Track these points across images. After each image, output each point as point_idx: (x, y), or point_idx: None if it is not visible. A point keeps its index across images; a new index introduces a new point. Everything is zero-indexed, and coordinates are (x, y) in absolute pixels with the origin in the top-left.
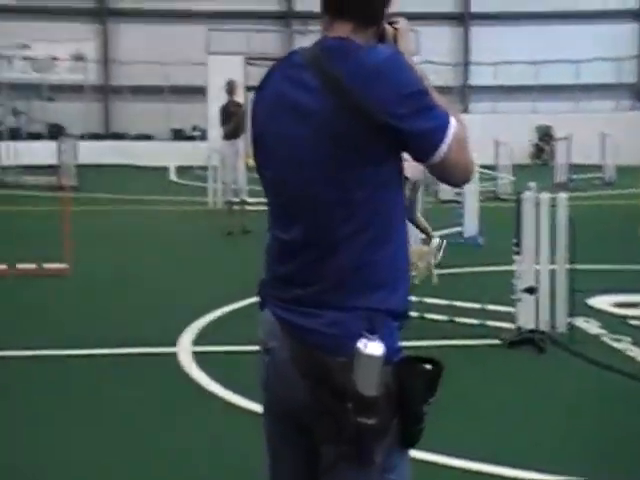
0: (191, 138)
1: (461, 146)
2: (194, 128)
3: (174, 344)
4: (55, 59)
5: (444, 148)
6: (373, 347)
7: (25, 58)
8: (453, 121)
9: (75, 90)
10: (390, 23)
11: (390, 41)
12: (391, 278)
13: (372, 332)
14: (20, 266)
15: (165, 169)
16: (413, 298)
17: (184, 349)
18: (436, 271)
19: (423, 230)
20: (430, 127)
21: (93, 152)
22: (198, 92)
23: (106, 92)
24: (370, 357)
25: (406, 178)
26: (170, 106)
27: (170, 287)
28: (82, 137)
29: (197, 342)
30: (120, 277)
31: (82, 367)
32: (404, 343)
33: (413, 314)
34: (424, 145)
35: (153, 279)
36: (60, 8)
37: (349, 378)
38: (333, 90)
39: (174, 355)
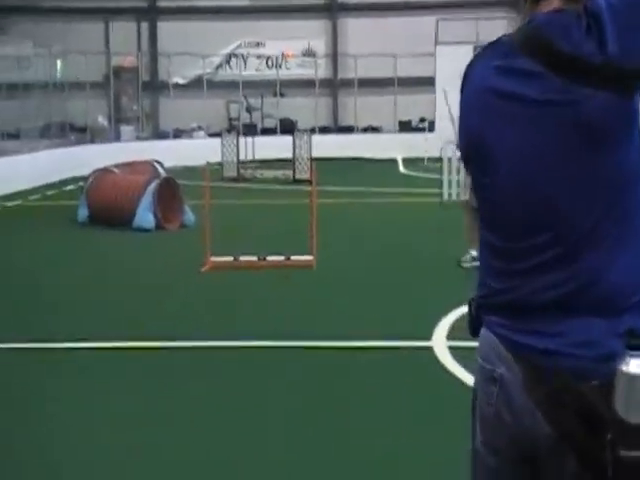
0: (418, 129)
1: None
2: (422, 120)
3: (429, 338)
4: (287, 55)
5: None
6: (638, 365)
7: (259, 56)
8: None
9: (305, 85)
10: None
11: None
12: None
13: (634, 349)
14: (270, 258)
15: (393, 161)
16: None
17: (439, 343)
18: None
19: None
20: None
21: (322, 145)
22: (425, 83)
23: (335, 86)
24: (636, 377)
25: None
26: (397, 98)
27: (417, 281)
28: (312, 131)
29: (451, 336)
30: (364, 270)
31: (331, 358)
32: None
33: None
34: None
35: (398, 272)
36: (292, 6)
37: (608, 404)
38: (559, 67)
39: (429, 349)
